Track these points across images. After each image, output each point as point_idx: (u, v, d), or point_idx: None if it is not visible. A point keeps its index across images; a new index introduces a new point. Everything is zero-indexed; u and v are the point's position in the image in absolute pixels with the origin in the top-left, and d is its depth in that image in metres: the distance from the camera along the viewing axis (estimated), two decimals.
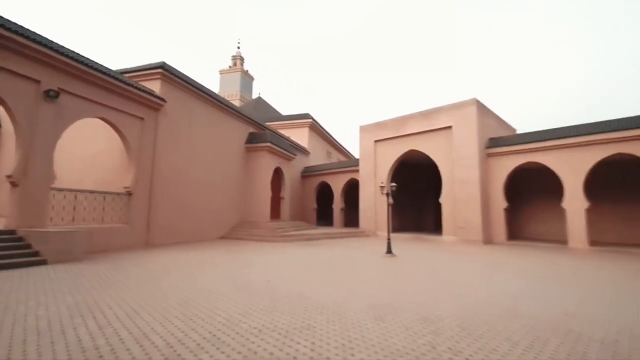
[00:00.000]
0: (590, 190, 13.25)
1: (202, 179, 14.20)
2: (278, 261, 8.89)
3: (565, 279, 7.05)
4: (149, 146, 11.70)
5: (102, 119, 10.36)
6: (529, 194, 17.73)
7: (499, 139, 15.82)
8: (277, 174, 18.82)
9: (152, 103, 11.67)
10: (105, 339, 3.29)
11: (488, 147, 15.67)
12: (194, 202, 13.69)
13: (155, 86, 12.01)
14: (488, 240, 14.86)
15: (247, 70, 69.81)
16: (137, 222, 11.09)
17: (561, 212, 13.76)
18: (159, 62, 12.06)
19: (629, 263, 9.37)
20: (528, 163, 14.56)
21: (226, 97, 58.01)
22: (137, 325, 3.71)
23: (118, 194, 10.74)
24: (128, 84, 10.67)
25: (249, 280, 6.40)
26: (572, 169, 13.17)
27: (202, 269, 7.43)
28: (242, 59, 70.66)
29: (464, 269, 8.13)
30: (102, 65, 10.28)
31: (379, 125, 19.43)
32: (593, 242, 13.15)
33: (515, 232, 17.29)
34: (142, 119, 11.43)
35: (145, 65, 12.25)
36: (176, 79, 12.71)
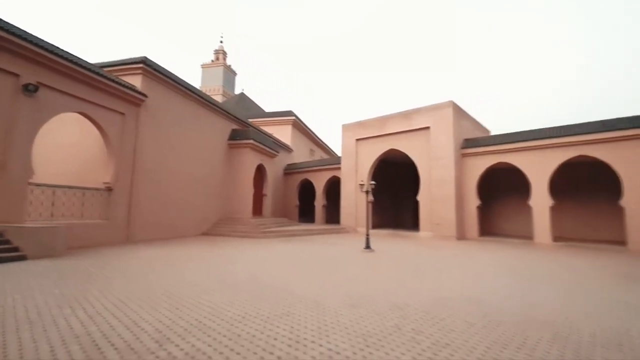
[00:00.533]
0: (554, 189, 14.20)
1: (184, 175, 14.21)
2: (260, 256, 9.16)
3: (526, 271, 7.68)
4: (130, 142, 11.64)
5: (82, 113, 10.25)
6: (500, 192, 18.69)
7: (473, 140, 16.60)
8: (260, 170, 18.96)
9: (133, 98, 11.60)
10: (97, 326, 3.50)
11: (463, 147, 16.42)
12: (176, 198, 13.70)
13: (136, 81, 11.93)
14: (461, 236, 15.64)
15: (230, 65, 68.92)
16: (117, 218, 11.05)
17: (528, 210, 14.65)
18: (141, 57, 11.97)
19: (586, 257, 10.21)
20: (499, 163, 15.38)
21: (208, 92, 57.21)
22: (125, 315, 3.93)
23: (97, 189, 10.67)
24: (108, 79, 10.58)
25: (233, 274, 6.65)
26: (538, 169, 14.06)
27: (186, 264, 7.61)
28: (224, 54, 69.69)
29: (436, 263, 8.66)
30: (81, 59, 10.16)
31: (361, 124, 19.89)
32: (556, 238, 14.11)
33: (487, 228, 18.20)
34: (122, 114, 11.35)
35: (126, 60, 12.13)
36: (158, 74, 12.64)
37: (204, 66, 67.25)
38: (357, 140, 19.82)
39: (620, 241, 13.06)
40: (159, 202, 12.76)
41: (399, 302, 4.72)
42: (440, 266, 8.16)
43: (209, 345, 3.14)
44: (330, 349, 3.09)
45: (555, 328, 3.78)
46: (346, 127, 20.61)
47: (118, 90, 10.95)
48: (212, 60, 68.38)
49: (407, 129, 17.59)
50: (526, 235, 15.61)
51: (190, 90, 14.50)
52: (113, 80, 10.74)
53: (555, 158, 13.69)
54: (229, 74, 68.74)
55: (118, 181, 11.10)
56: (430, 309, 4.41)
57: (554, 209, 13.97)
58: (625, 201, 12.02)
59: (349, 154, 20.17)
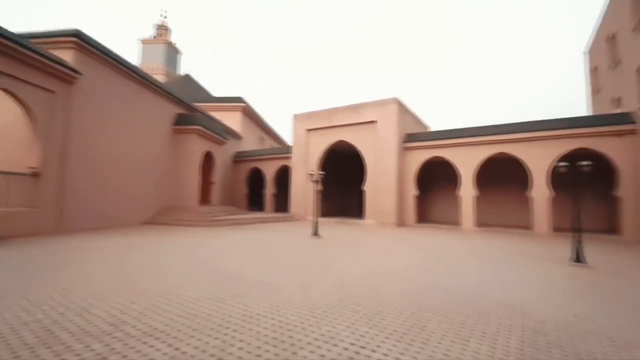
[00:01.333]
0: (479, 181, 16.10)
1: (123, 160, 13.36)
2: (210, 244, 9.19)
3: (449, 251, 8.83)
4: (61, 123, 10.64)
5: (3, 89, 9.13)
6: (436, 183, 20.55)
7: (414, 135, 17.98)
8: (208, 158, 18.47)
9: (63, 74, 10.55)
10: (44, 314, 3.47)
11: (405, 141, 17.71)
12: (114, 184, 12.87)
13: (68, 56, 10.86)
14: (401, 223, 17.04)
15: (173, 43, 64.17)
16: (47, 206, 10.13)
17: (458, 200, 16.44)
18: (73, 30, 10.88)
19: (499, 239, 11.91)
20: (435, 157, 16.94)
21: (148, 70, 53.03)
22: (73, 302, 3.90)
23: (24, 174, 9.68)
24: (33, 51, 9.48)
25: (182, 261, 6.69)
26: (466, 163, 15.82)
27: (130, 253, 7.41)
28: (167, 30, 64.68)
29: (376, 246, 9.51)
30: (3, 27, 8.98)
31: (312, 115, 20.29)
32: (479, 224, 16.11)
33: (424, 215, 19.99)
34: (52, 92, 10.31)
35: (56, 31, 10.94)
36: (94, 50, 11.61)
37: (144, 42, 61.75)
38: (308, 130, 20.22)
39: (528, 226, 15.34)
40: (94, 189, 11.91)
41: (342, 281, 5.27)
42: (380, 249, 8.99)
43: (166, 325, 3.34)
44: (281, 321, 3.49)
45: (467, 297, 4.62)
46: (298, 117, 20.86)
47: (45, 64, 9.87)
48: (154, 36, 63.10)
49: (356, 121, 18.40)
50: (455, 222, 17.52)
51: (131, 70, 13.54)
52: (39, 53, 9.67)
53: (480, 154, 15.51)
54: (173, 53, 64.10)
55: (47, 166, 10.15)
56: (369, 285, 5.03)
57: (478, 199, 15.89)
58: (532, 193, 14.15)
59: (299, 143, 20.50)
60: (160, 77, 53.62)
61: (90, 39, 11.47)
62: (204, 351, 2.79)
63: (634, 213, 12.14)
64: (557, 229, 14.20)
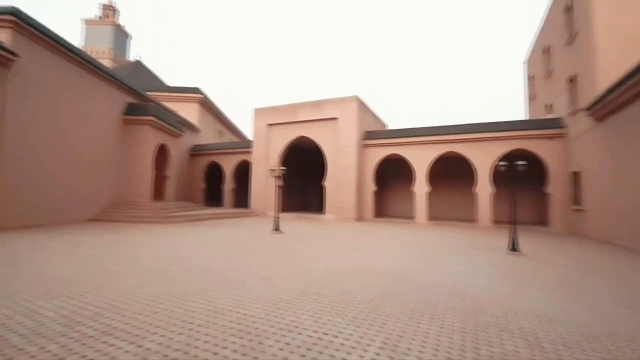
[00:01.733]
0: (432, 178, 17.16)
1: (65, 151, 12.30)
2: (167, 240, 8.86)
3: (403, 244, 9.42)
4: None
5: None
6: (393, 179, 21.52)
7: (373, 133, 18.64)
8: (162, 151, 17.60)
9: None
10: None
11: (364, 138, 18.30)
12: (55, 177, 11.82)
13: (4, 36, 9.73)
14: (360, 217, 17.64)
15: (122, 26, 59.54)
16: None
17: (412, 195, 17.39)
18: (10, 7, 9.76)
19: (447, 232, 12.87)
20: (392, 154, 17.72)
21: (93, 54, 48.98)
22: (19, 304, 3.64)
23: None
24: None
25: (137, 259, 6.43)
26: (420, 161, 16.77)
27: (75, 252, 6.94)
28: (114, 10, 59.85)
29: (336, 240, 9.82)
30: None
31: (273, 110, 20.13)
32: (431, 218, 17.21)
33: (381, 210, 20.85)
34: None
35: None
36: (33, 30, 10.50)
37: (88, 22, 56.58)
38: (269, 125, 20.04)
39: (473, 219, 16.71)
40: (32, 183, 10.86)
41: (304, 274, 5.45)
42: (339, 243, 9.31)
43: (126, 324, 3.26)
44: (245, 314, 3.57)
45: (416, 284, 5.03)
46: (259, 111, 20.57)
47: None
48: (99, 17, 58.04)
49: (317, 118, 18.61)
50: (410, 216, 18.53)
51: (75, 53, 12.43)
52: None
53: (433, 152, 16.53)
54: (121, 36, 59.53)
55: None
56: (330, 277, 5.26)
57: (431, 194, 16.94)
58: (477, 189, 15.42)
59: (260, 138, 20.26)
60: (106, 62, 49.63)
61: (29, 18, 10.37)
62: (168, 346, 2.80)
63: (560, 208, 13.77)
64: (498, 221, 15.65)
